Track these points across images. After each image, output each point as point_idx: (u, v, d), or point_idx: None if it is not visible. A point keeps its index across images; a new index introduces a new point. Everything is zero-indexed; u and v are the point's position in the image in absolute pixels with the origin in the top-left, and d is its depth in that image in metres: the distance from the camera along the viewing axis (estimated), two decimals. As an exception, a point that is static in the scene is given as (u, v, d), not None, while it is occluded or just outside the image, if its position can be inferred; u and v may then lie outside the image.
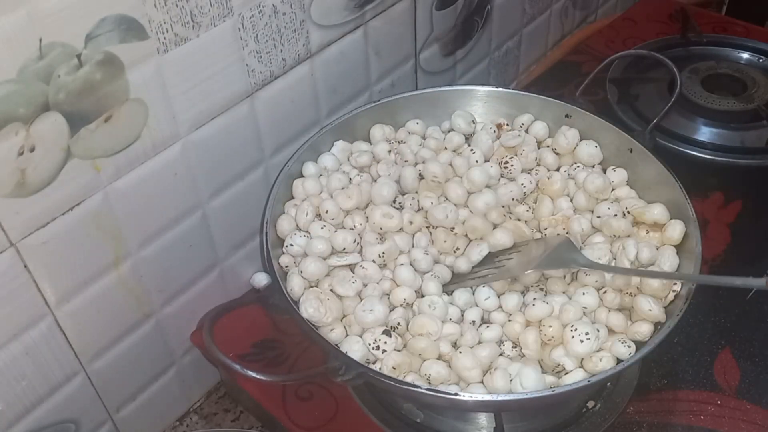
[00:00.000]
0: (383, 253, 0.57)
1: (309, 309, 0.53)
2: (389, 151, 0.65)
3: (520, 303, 0.57)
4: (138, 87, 0.52)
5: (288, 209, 0.61)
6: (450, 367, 0.53)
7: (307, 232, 0.59)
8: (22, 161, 0.47)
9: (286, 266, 0.58)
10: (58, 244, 0.52)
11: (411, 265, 0.58)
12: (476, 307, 0.57)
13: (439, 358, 0.54)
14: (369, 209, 0.60)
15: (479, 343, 0.55)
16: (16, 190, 0.48)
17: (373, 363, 0.53)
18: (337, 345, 0.53)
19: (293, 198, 0.62)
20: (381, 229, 0.59)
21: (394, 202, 0.61)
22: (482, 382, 0.53)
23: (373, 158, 0.65)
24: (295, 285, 0.55)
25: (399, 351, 0.53)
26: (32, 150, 0.47)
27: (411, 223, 0.59)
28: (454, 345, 0.55)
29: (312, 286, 0.56)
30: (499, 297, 0.57)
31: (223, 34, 0.56)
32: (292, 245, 0.58)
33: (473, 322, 0.56)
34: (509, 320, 0.56)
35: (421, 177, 0.62)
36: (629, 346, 0.53)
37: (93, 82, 0.49)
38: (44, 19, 0.45)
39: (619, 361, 0.53)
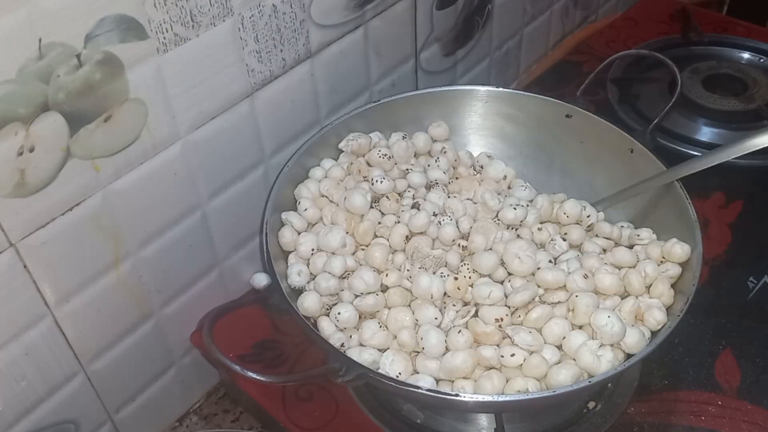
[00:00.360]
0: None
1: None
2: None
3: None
4: (137, 87, 0.52)
5: (290, 219, 0.61)
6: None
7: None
8: (22, 161, 0.47)
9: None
10: (57, 245, 0.52)
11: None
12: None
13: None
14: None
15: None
16: (16, 191, 0.48)
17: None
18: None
19: (296, 200, 0.62)
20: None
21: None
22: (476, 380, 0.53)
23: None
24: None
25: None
26: (32, 150, 0.47)
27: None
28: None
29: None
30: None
31: (223, 33, 0.56)
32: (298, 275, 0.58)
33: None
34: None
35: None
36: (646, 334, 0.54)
37: (92, 82, 0.49)
38: (44, 19, 0.44)
39: (625, 357, 0.53)
